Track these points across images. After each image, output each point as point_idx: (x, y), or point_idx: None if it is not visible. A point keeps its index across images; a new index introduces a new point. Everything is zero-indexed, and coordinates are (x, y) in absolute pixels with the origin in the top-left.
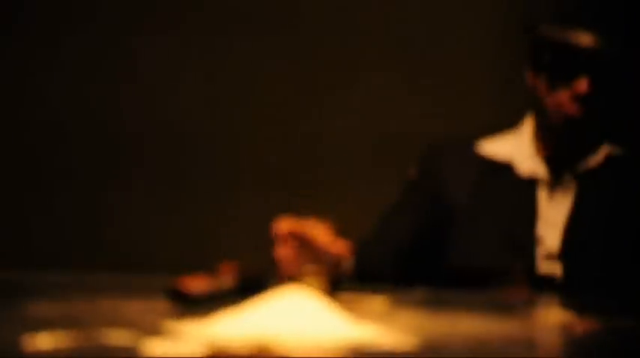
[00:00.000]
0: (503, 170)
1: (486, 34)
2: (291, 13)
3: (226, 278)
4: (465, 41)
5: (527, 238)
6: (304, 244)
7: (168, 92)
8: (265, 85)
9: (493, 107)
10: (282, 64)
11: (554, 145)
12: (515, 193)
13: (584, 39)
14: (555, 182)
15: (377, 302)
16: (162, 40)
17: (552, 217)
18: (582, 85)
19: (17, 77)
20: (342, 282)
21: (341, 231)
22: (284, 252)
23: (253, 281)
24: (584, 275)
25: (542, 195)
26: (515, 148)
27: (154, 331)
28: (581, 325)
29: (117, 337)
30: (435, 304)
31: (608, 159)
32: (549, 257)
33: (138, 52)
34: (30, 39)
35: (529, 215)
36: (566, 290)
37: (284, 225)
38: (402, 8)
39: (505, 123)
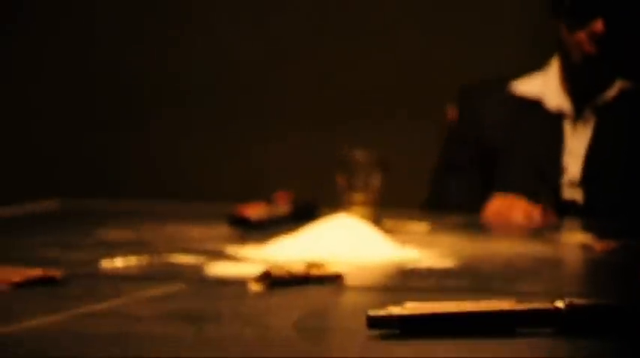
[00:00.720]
0: (534, 106)
1: None
2: None
3: (282, 206)
4: None
5: (554, 168)
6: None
7: (225, 33)
8: (309, 24)
9: (524, 51)
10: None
11: (575, 81)
12: (544, 127)
13: None
14: (577, 115)
15: (418, 227)
16: None
17: (575, 148)
18: (598, 25)
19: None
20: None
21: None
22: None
23: (306, 209)
24: (603, 201)
25: (567, 128)
26: (544, 86)
27: (217, 253)
28: (600, 246)
29: (183, 258)
30: (471, 228)
31: (623, 92)
32: (572, 184)
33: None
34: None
35: (556, 147)
36: (587, 214)
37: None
38: None
39: (535, 66)
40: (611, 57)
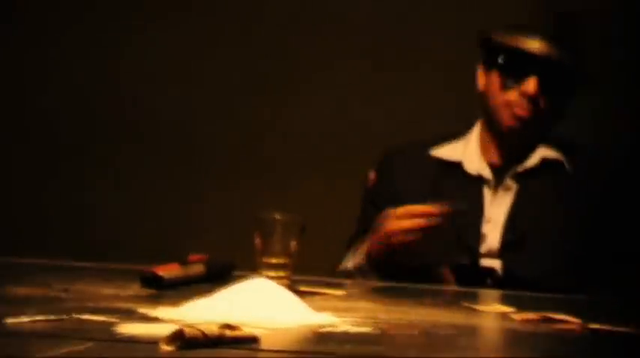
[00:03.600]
0: (454, 170)
1: (443, 51)
2: (258, 15)
3: (196, 267)
4: (423, 55)
5: (473, 235)
6: None
7: (143, 93)
8: (233, 85)
9: (447, 117)
10: (250, 68)
11: (497, 148)
12: (464, 193)
13: (536, 44)
14: (498, 183)
15: (335, 292)
16: (143, 45)
17: (494, 216)
18: (531, 86)
19: (12, 74)
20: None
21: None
22: None
23: (221, 270)
24: (521, 272)
25: (486, 196)
26: (464, 152)
27: (128, 312)
28: (519, 316)
29: (92, 317)
30: (388, 296)
31: (545, 161)
32: (490, 253)
33: (115, 57)
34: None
35: (475, 214)
36: (505, 284)
37: None
38: (368, 16)
39: (455, 133)
40: (541, 120)
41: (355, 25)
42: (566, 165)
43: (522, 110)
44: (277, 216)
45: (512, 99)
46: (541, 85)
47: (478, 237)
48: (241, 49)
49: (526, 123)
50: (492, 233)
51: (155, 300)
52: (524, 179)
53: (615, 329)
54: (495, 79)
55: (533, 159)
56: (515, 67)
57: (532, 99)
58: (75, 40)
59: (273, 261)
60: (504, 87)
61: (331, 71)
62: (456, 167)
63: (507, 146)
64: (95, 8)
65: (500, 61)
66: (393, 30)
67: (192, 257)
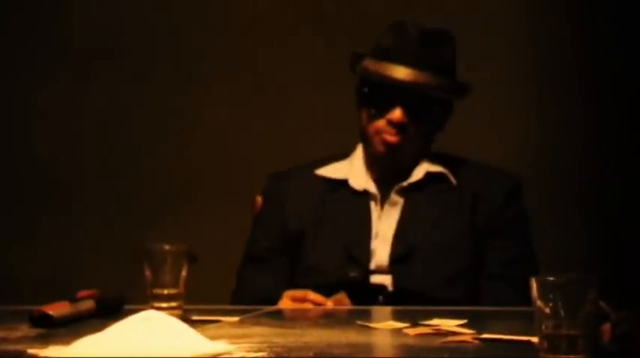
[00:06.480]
0: (340, 187)
1: (324, 70)
2: (148, 44)
3: (86, 303)
4: (306, 76)
5: (363, 252)
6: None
7: (21, 121)
8: (118, 115)
9: (331, 138)
10: (134, 96)
11: (378, 167)
12: (351, 210)
13: (400, 72)
14: (384, 199)
15: (228, 319)
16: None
17: (382, 232)
18: (396, 114)
19: None
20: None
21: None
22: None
23: (112, 305)
24: (411, 285)
25: (374, 212)
26: (350, 171)
27: (18, 354)
28: (411, 332)
29: None
30: (282, 319)
31: (429, 175)
32: (381, 270)
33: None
34: None
35: (364, 230)
36: (397, 301)
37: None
38: (255, 39)
39: (339, 154)
40: (412, 143)
41: (231, 59)
42: (451, 179)
43: (391, 136)
44: (166, 247)
45: (381, 126)
46: (407, 111)
47: (367, 252)
48: (125, 78)
49: (395, 149)
50: (382, 248)
51: (46, 340)
52: (411, 193)
53: (507, 337)
54: (365, 108)
55: (417, 174)
56: (380, 96)
57: (399, 126)
58: None
59: (165, 291)
60: (372, 116)
61: (213, 99)
62: (343, 185)
63: (384, 167)
64: None
65: (365, 91)
66: (275, 59)
67: (82, 293)
